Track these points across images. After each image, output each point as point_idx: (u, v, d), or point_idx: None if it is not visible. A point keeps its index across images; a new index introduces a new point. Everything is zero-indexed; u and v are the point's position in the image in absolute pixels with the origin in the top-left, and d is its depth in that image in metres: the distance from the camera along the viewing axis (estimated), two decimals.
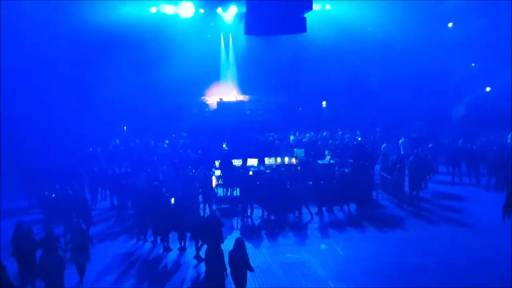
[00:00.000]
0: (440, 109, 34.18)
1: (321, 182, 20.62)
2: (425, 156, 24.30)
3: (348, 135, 30.89)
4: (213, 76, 40.39)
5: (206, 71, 38.71)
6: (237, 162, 23.07)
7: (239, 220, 19.61)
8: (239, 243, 12.10)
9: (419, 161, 22.67)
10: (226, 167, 22.44)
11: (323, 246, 16.71)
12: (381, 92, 35.92)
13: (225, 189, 22.20)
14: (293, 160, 23.83)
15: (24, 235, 14.02)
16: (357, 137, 29.92)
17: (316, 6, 27.46)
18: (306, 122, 34.24)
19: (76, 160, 25.09)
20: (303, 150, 25.58)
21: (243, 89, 40.48)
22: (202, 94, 39.91)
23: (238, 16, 35.82)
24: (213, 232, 13.57)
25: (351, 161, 23.32)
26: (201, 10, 36.22)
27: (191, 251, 16.36)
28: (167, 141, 30.18)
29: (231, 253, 12.09)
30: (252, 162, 23.29)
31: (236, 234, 17.39)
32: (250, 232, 18.36)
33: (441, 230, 18.13)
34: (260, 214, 20.06)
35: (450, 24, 40.12)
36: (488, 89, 37.72)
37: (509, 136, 27.84)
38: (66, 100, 30.32)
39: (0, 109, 27.87)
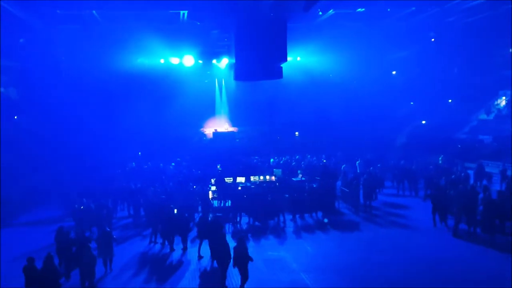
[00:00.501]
0: (387, 137, 34.35)
1: (295, 194, 20.57)
2: (375, 173, 24.36)
3: (315, 158, 30.82)
4: (209, 112, 40.47)
5: (204, 108, 39.01)
6: (228, 180, 22.86)
7: (230, 225, 19.40)
8: (241, 240, 12.61)
9: (371, 177, 22.76)
10: (220, 183, 22.32)
11: (296, 244, 16.68)
12: (341, 124, 36.05)
13: (219, 201, 21.99)
14: (273, 178, 23.67)
15: (64, 236, 14.42)
16: (322, 160, 29.90)
17: (290, 58, 27.62)
18: (283, 148, 34.19)
19: (102, 179, 24.87)
20: (280, 170, 25.46)
21: (233, 122, 40.44)
22: (201, 126, 39.85)
23: (229, 65, 35.89)
24: (216, 232, 14.05)
25: (318, 178, 23.26)
26: (200, 61, 36.24)
27: (191, 251, 16.27)
28: (173, 163, 29.96)
29: (235, 248, 12.47)
30: (241, 179, 23.09)
31: (228, 236, 17.21)
32: (239, 235, 18.11)
33: (389, 231, 18.13)
34: (247, 220, 19.92)
35: (394, 72, 40.67)
36: (423, 122, 38.11)
37: (440, 158, 28.10)
38: (95, 130, 30.47)
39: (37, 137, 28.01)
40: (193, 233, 18.21)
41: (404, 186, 25.33)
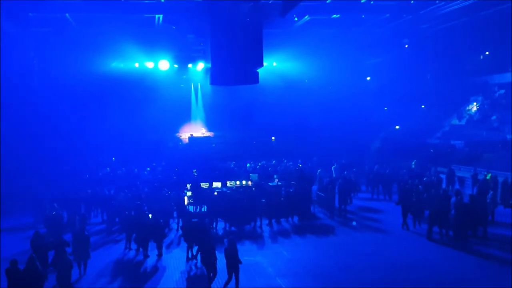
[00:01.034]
0: (361, 142, 34.76)
1: (271, 199, 20.57)
2: (350, 178, 24.59)
3: (291, 163, 30.95)
4: (185, 117, 40.39)
5: (179, 113, 38.91)
6: (204, 185, 22.71)
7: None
8: (231, 241, 12.64)
9: (346, 182, 22.97)
10: (196, 189, 22.06)
11: (272, 249, 16.67)
12: (317, 129, 36.36)
13: (195, 206, 21.77)
14: (249, 183, 23.64)
15: (40, 240, 14.35)
16: (298, 165, 30.00)
17: (266, 63, 27.76)
18: (259, 153, 34.30)
19: (75, 185, 24.44)
20: (257, 174, 25.48)
21: (209, 127, 40.42)
22: (177, 131, 39.69)
23: (205, 70, 35.88)
24: (204, 234, 14.54)
25: (294, 183, 23.31)
26: (176, 65, 36.14)
27: (166, 257, 16.13)
28: (148, 168, 29.71)
29: (226, 249, 12.56)
30: (217, 184, 22.98)
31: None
32: (215, 241, 18.01)
33: (364, 235, 18.29)
34: (223, 225, 19.81)
35: (368, 78, 41.24)
36: (397, 127, 38.66)
37: (413, 163, 28.53)
38: (67, 135, 30.11)
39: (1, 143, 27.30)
40: (168, 239, 18.17)
41: (379, 190, 25.68)
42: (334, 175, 26.81)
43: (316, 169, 28.21)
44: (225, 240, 13.64)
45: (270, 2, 23.77)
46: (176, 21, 27.12)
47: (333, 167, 28.12)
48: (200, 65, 35.99)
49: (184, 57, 35.46)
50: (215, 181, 23.30)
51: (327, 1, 26.45)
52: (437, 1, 27.94)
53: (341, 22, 29.77)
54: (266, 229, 19.57)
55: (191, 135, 38.84)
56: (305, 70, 37.55)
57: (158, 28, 28.05)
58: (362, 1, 27.25)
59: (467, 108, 36.26)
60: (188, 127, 40.08)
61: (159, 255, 16.21)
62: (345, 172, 25.63)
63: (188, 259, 15.65)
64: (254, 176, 25.05)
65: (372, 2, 27.77)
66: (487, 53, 36.41)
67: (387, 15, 29.19)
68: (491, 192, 19.52)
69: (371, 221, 20.42)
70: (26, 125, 28.97)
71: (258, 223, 19.76)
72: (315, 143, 34.89)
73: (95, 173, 28.07)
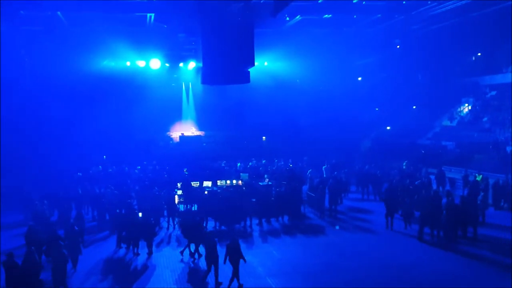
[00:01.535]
0: (352, 142, 34.98)
1: (262, 199, 20.72)
2: (341, 178, 24.79)
3: (282, 163, 31.19)
4: (176, 116, 40.42)
5: (170, 112, 38.94)
6: (195, 184, 22.85)
7: None
8: (234, 238, 13.35)
9: (336, 182, 23.09)
10: (186, 187, 22.23)
11: (264, 248, 16.85)
12: (308, 129, 36.54)
13: (185, 205, 21.92)
14: (240, 182, 23.73)
15: (34, 235, 14.97)
16: (289, 164, 30.23)
17: (257, 63, 27.97)
18: (250, 152, 34.38)
19: (65, 183, 24.52)
20: (247, 174, 25.57)
21: (200, 126, 40.42)
22: (168, 130, 39.69)
23: (196, 69, 35.98)
24: (200, 230, 15.54)
25: (285, 183, 23.46)
26: (167, 64, 36.21)
27: (156, 256, 16.29)
28: (138, 167, 29.81)
29: (228, 245, 13.13)
30: (207, 183, 23.05)
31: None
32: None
33: (354, 236, 18.50)
34: (213, 224, 19.92)
35: (359, 78, 41.48)
36: (388, 128, 38.93)
37: (404, 164, 28.76)
38: (58, 133, 30.24)
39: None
40: (158, 237, 18.28)
41: (369, 190, 25.86)
42: (324, 175, 26.92)
43: (307, 169, 28.47)
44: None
45: (261, 1, 23.91)
46: (167, 20, 27.23)
47: (323, 167, 28.32)
48: (192, 64, 36.08)
49: (175, 56, 35.54)
50: (206, 180, 23.35)
51: (319, 1, 26.62)
52: (429, 2, 28.12)
53: (332, 22, 29.96)
54: (256, 228, 19.73)
55: (182, 134, 38.91)
56: (296, 70, 37.73)
57: (150, 27, 28.12)
58: (354, 1, 27.44)
59: (459, 109, 36.61)
60: (179, 126, 40.11)
61: (149, 253, 16.35)
62: (336, 172, 25.83)
63: (192, 255, 15.86)
64: (244, 175, 25.14)
65: (364, 2, 27.95)
66: (479, 54, 36.78)
67: (379, 15, 29.40)
68: (482, 194, 19.77)
69: (361, 222, 20.64)
70: (16, 124, 29.09)
71: (248, 223, 19.91)
72: (306, 143, 35.07)
73: (86, 171, 28.14)
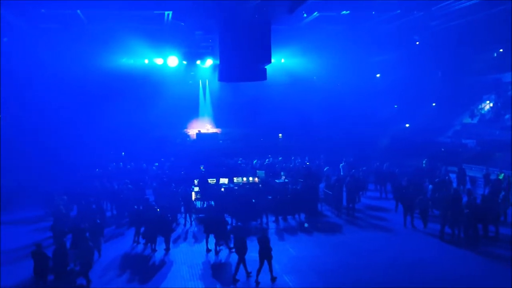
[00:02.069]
0: (370, 140, 34.75)
1: (278, 196, 20.81)
2: (359, 176, 24.69)
3: (299, 160, 31.12)
4: (193, 113, 40.72)
5: (187, 109, 39.30)
6: (211, 181, 23.07)
7: None
8: (264, 231, 13.92)
9: (354, 180, 23.02)
10: (203, 184, 22.55)
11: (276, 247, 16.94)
12: (325, 127, 36.46)
13: (202, 202, 22.24)
14: (256, 179, 23.90)
15: (61, 225, 15.95)
16: (306, 162, 30.16)
17: (274, 60, 27.96)
18: (266, 150, 34.38)
19: (84, 179, 24.98)
20: (263, 171, 25.68)
21: (217, 123, 40.69)
22: (185, 127, 40.07)
23: (213, 66, 36.17)
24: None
25: (301, 180, 23.44)
26: (184, 62, 36.41)
27: (174, 252, 16.55)
28: (156, 164, 30.13)
29: (259, 239, 13.64)
30: (224, 180, 23.34)
31: (211, 237, 17.48)
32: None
33: (371, 234, 18.46)
34: (229, 221, 19.90)
35: (378, 75, 41.20)
36: (407, 125, 38.65)
37: (424, 162, 28.55)
38: (78, 130, 30.90)
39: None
40: (175, 234, 18.53)
41: (387, 189, 25.68)
42: (342, 173, 26.90)
43: (324, 167, 28.46)
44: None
45: None
46: (185, 18, 27.40)
47: (341, 165, 28.22)
48: (209, 62, 36.27)
49: (192, 54, 35.67)
50: (222, 177, 23.59)
51: None
52: None
53: (350, 19, 29.71)
54: (272, 226, 19.82)
55: (199, 131, 39.19)
56: (313, 67, 37.67)
57: (167, 25, 28.30)
58: None
59: (480, 107, 36.13)
60: (195, 123, 40.45)
61: (167, 249, 16.61)
62: (353, 170, 25.70)
63: (207, 250, 16.37)
64: (261, 172, 25.27)
65: None
66: (500, 50, 36.18)
67: (398, 11, 29.11)
68: (503, 193, 19.51)
69: (378, 220, 20.58)
70: (35, 121, 29.73)
71: (264, 220, 20.04)
72: (323, 141, 34.92)
73: (105, 168, 28.66)
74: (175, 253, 16.40)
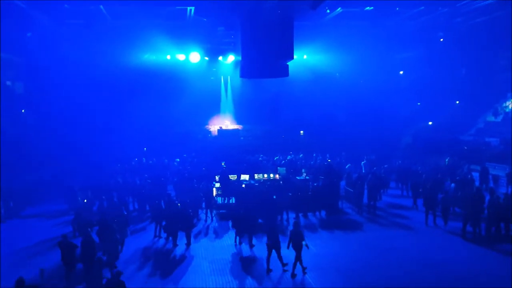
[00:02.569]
0: (392, 137, 34.46)
1: (299, 193, 20.71)
2: (380, 174, 24.42)
3: (320, 157, 30.97)
4: (214, 109, 41.07)
5: (209, 105, 39.69)
6: (232, 177, 23.09)
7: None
8: (296, 224, 14.12)
9: (375, 178, 22.67)
10: (224, 180, 22.55)
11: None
12: (346, 124, 36.31)
13: (223, 198, 22.24)
14: (277, 176, 23.87)
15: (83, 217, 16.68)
16: (327, 159, 30.01)
17: (296, 56, 27.79)
18: (287, 147, 34.40)
19: (106, 174, 25.30)
20: (284, 168, 25.61)
21: (238, 120, 40.86)
22: (206, 123, 40.32)
23: (235, 63, 36.19)
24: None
25: (322, 177, 23.31)
26: (206, 58, 36.58)
27: (194, 247, 16.62)
28: (177, 159, 30.28)
29: (291, 231, 13.87)
30: (245, 177, 23.33)
31: (232, 232, 17.43)
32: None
33: (392, 232, 18.23)
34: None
35: (401, 72, 40.77)
36: (430, 123, 38.14)
37: (446, 160, 28.13)
38: (100, 125, 31.45)
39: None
40: (196, 229, 18.58)
41: (408, 187, 25.32)
42: (363, 171, 26.68)
43: (345, 164, 28.26)
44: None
45: None
46: (207, 14, 27.44)
47: (362, 162, 27.98)
48: (230, 58, 36.30)
49: (214, 50, 35.88)
50: (243, 174, 23.58)
51: None
52: None
53: (374, 15, 29.40)
54: (293, 222, 19.65)
55: (220, 127, 39.36)
56: (336, 63, 37.45)
57: (190, 21, 28.37)
58: None
59: (504, 105, 35.38)
60: (217, 119, 40.70)
61: (188, 244, 16.68)
62: (375, 168, 25.43)
63: (250, 245, 16.58)
64: (282, 169, 25.21)
65: None
66: None
67: (422, 8, 28.70)
68: None
69: (400, 218, 20.32)
70: (61, 115, 30.13)
71: (285, 217, 19.95)
72: (345, 138, 34.72)
73: (128, 163, 28.97)
74: (196, 248, 16.44)
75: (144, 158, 30.36)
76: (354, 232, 18.37)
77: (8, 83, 30.02)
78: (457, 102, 38.43)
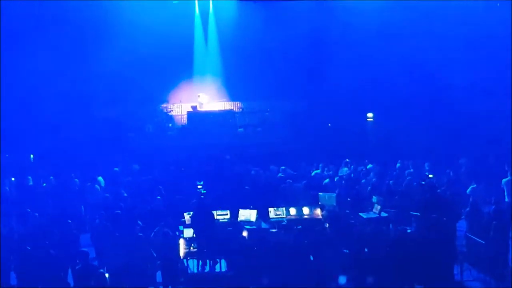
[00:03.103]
0: None
1: (366, 249, 20.41)
2: None
3: (411, 170, 30.81)
4: (181, 70, 41.11)
5: (170, 60, 39.59)
6: (221, 216, 23.11)
7: None
8: None
9: None
10: (203, 223, 22.06)
11: None
12: (463, 104, 36.91)
13: (200, 261, 21.91)
14: (317, 212, 23.82)
15: None
16: (426, 173, 29.48)
17: None
18: (339, 148, 34.66)
19: None
20: (334, 195, 25.58)
21: (231, 92, 40.65)
22: (163, 100, 40.51)
23: None
24: None
25: (417, 214, 23.19)
26: None
27: None
28: (100, 179, 30.46)
29: None
30: (247, 214, 23.26)
31: None
32: None
33: None
34: None
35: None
36: None
37: None
38: None
39: None
40: None
41: None
42: (507, 199, 26.57)
43: (466, 185, 28.10)
44: None
45: None
46: None
47: (504, 180, 27.51)
48: None
49: None
50: (244, 208, 23.63)
51: None
52: None
53: None
54: None
55: (193, 108, 39.42)
56: None
57: None
58: None
59: None
60: (186, 90, 41.42)
61: None
62: None
63: None
64: (328, 197, 25.30)
65: None
66: None
67: None
68: None
69: None
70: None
71: None
72: (464, 126, 35.58)
73: None
74: None
75: (30, 177, 30.64)
76: None
77: None
78: None
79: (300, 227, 22.39)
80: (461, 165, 31.91)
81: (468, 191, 26.97)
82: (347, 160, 31.90)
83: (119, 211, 24.09)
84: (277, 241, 20.65)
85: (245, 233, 21.78)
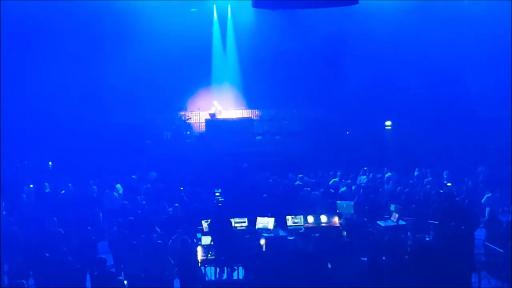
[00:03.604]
0: None
1: (384, 257, 20.40)
2: None
3: (430, 179, 30.74)
4: (199, 77, 41.24)
5: (188, 69, 39.84)
6: (239, 223, 23.06)
7: None
8: None
9: None
10: (221, 230, 22.04)
11: None
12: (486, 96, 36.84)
13: (218, 269, 21.91)
14: (335, 220, 23.81)
15: None
16: (444, 182, 29.46)
17: None
18: (357, 156, 34.67)
19: None
20: (352, 203, 25.57)
21: (249, 99, 40.75)
22: (181, 108, 40.63)
23: None
24: None
25: (435, 222, 23.17)
26: None
27: None
28: (119, 186, 30.61)
29: None
30: (265, 222, 23.29)
31: None
32: None
33: None
34: None
35: None
36: None
37: None
38: None
39: None
40: None
41: None
42: None
43: (483, 194, 27.99)
44: None
45: None
46: None
47: None
48: None
49: None
50: (262, 216, 23.64)
51: None
52: None
53: None
54: None
55: (211, 115, 39.48)
56: None
57: None
58: None
59: None
60: (204, 98, 41.44)
61: None
62: None
63: None
64: (345, 205, 25.35)
65: None
66: None
67: None
68: None
69: None
70: None
71: None
72: (481, 139, 35.32)
73: (14, 196, 29.18)
74: None
75: (46, 184, 30.70)
76: None
77: None
78: None
79: (317, 235, 22.32)
80: (480, 173, 31.84)
81: (483, 200, 26.97)
82: (365, 168, 31.85)
83: (134, 218, 24.35)
84: (294, 249, 20.72)
85: (262, 241, 21.87)
